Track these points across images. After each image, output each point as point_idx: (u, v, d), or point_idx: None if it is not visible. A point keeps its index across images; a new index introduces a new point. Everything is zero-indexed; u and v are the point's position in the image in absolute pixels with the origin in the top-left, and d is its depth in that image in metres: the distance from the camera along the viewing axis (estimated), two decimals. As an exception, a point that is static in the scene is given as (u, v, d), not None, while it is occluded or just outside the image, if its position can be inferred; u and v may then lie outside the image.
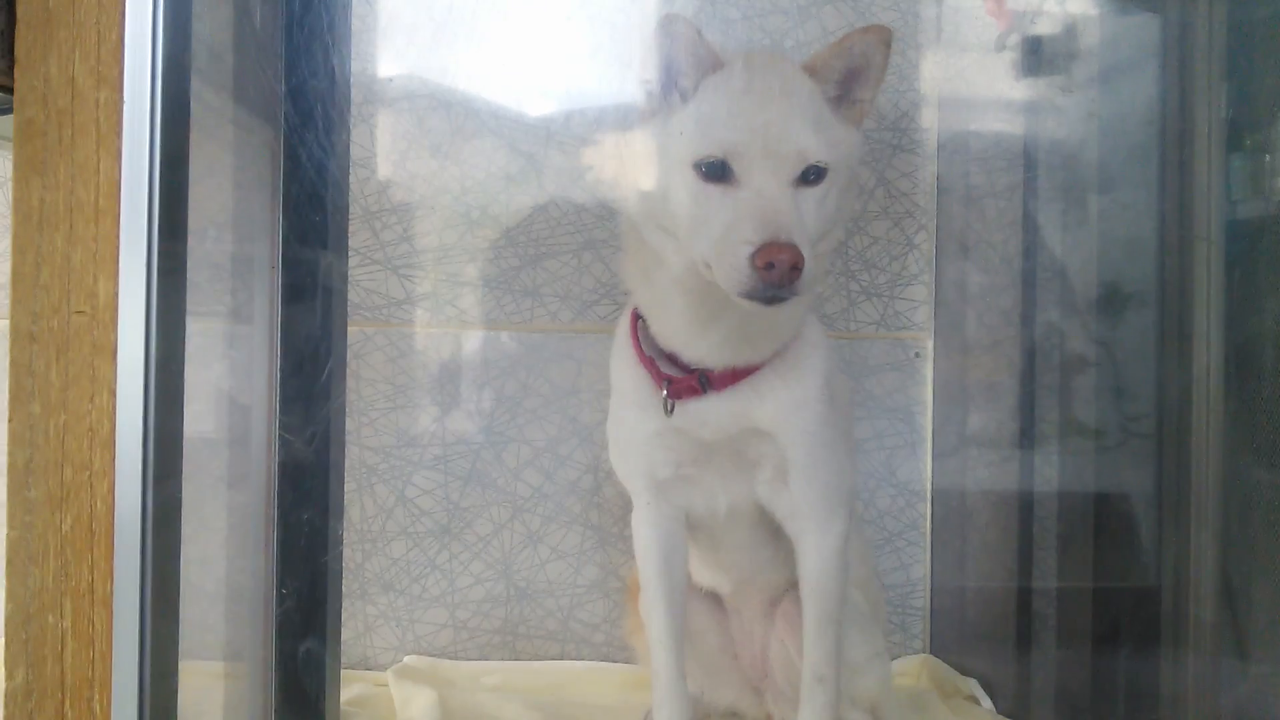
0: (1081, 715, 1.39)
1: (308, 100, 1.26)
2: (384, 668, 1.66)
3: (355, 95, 1.69)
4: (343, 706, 1.44)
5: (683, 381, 1.19)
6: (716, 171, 1.05)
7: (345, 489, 1.68)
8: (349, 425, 1.68)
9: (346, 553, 1.68)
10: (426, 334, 1.71)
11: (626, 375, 1.25)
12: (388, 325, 1.70)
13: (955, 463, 1.74)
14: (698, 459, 1.23)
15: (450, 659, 1.69)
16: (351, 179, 1.68)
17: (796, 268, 0.99)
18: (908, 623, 1.75)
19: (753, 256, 0.99)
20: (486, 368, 1.71)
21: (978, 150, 1.69)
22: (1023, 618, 1.57)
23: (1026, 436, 1.57)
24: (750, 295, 1.01)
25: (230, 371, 1.39)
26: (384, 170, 1.71)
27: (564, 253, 1.73)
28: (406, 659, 1.66)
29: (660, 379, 1.20)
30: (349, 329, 1.68)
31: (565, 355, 1.71)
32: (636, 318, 1.24)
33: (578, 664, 1.70)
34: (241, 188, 1.27)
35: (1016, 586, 1.59)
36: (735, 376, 1.19)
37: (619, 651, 1.71)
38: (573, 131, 1.72)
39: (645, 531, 1.27)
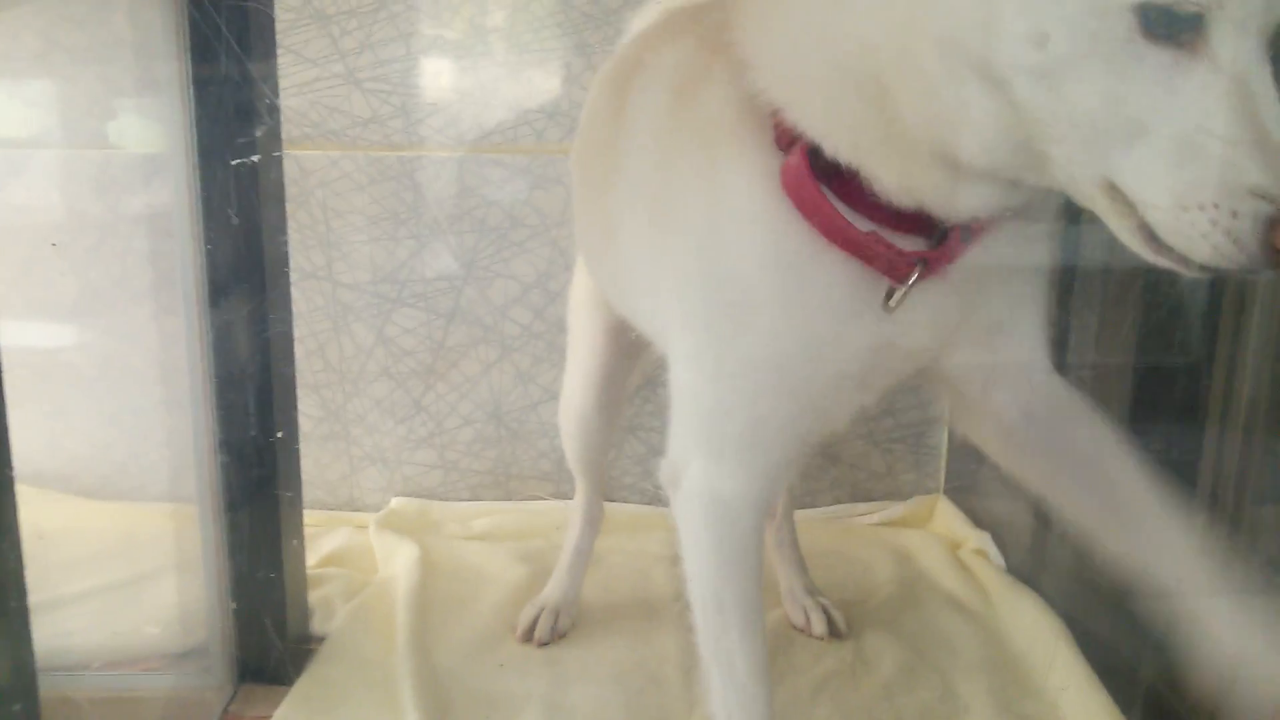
0: (1090, 586, 1.31)
1: None
2: (372, 509, 1.61)
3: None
4: (320, 568, 1.40)
5: (946, 250, 0.76)
6: (1174, 29, 0.61)
7: (320, 329, 1.58)
8: (318, 260, 1.55)
9: (325, 394, 1.60)
10: (398, 158, 1.54)
11: (787, 268, 0.77)
12: (354, 149, 1.53)
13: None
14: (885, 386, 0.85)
15: (440, 500, 1.63)
16: (303, -23, 1.46)
17: None
18: (922, 461, 1.66)
19: (1271, 224, 0.59)
20: (467, 195, 1.55)
21: None
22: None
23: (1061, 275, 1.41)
24: (1222, 267, 0.62)
25: (147, 201, 1.28)
26: (340, -35, 1.48)
27: (551, 60, 1.52)
28: (393, 502, 1.61)
29: (900, 259, 0.75)
30: (313, 154, 1.52)
31: (554, 180, 1.54)
32: (813, 175, 0.74)
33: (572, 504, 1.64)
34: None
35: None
36: (977, 233, 0.78)
37: (616, 491, 1.64)
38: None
39: (742, 539, 0.85)
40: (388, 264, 1.56)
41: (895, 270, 0.75)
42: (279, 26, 1.42)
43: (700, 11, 0.94)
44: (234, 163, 1.10)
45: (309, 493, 1.56)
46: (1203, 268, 0.63)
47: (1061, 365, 1.40)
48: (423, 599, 1.32)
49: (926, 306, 0.78)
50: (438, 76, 1.52)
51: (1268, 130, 0.60)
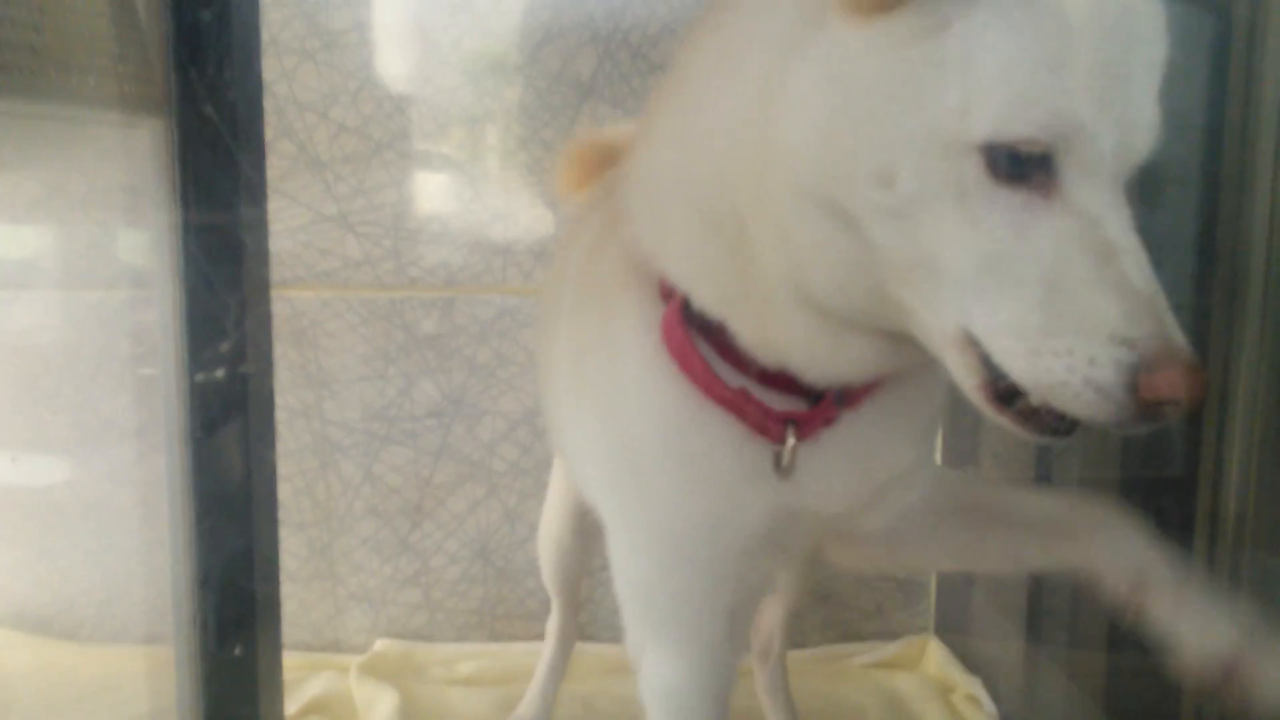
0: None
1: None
2: (357, 650, 1.58)
3: (298, 28, 1.49)
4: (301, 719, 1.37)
5: (817, 412, 0.72)
6: (1022, 170, 0.58)
7: (308, 467, 1.58)
8: (308, 399, 1.56)
9: (312, 533, 1.59)
10: (389, 298, 1.56)
11: (675, 427, 0.73)
12: (345, 290, 1.55)
13: (967, 423, 1.59)
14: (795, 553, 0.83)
15: (426, 641, 1.61)
16: (297, 124, 1.51)
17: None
18: (911, 600, 1.64)
19: (1134, 371, 0.56)
20: (456, 334, 1.56)
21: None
22: (1034, 601, 1.45)
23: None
24: (1089, 420, 0.59)
25: (133, 344, 1.30)
26: (335, 113, 1.52)
27: (537, 205, 1.55)
28: (377, 644, 1.58)
29: (768, 419, 0.72)
30: (305, 294, 1.54)
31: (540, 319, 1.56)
32: (684, 329, 0.73)
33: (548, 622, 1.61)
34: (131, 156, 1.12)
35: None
36: (859, 395, 0.75)
37: (603, 631, 1.61)
38: (556, 55, 1.52)
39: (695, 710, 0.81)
40: (377, 401, 1.57)
41: (767, 430, 0.71)
42: (276, 173, 1.47)
43: None
44: (220, 303, 1.12)
45: (293, 634, 1.54)
46: (1052, 431, 0.60)
47: (1046, 480, 1.41)
48: (404, 752, 1.29)
49: (824, 464, 0.74)
50: (429, 220, 1.55)
51: (1126, 275, 0.57)
